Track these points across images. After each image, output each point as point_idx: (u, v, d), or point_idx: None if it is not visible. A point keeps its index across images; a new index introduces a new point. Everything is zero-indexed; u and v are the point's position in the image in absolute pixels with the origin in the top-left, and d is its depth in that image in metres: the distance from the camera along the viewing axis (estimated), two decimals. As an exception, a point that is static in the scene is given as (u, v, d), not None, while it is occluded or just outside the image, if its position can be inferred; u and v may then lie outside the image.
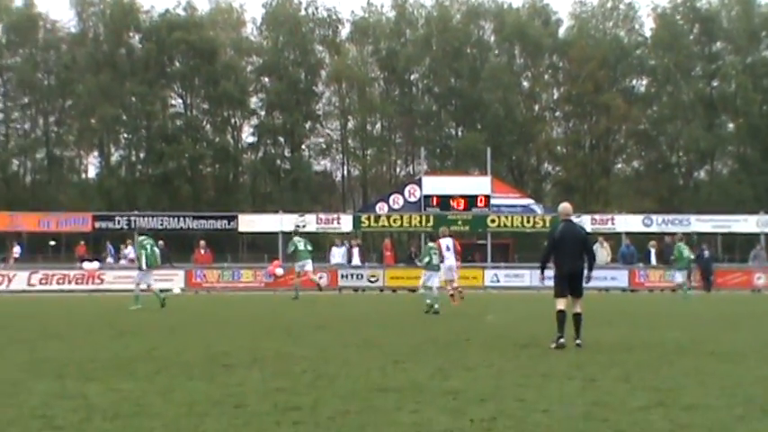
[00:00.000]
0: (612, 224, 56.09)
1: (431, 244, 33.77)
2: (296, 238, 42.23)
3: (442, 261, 32.93)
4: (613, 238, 55.75)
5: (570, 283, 19.17)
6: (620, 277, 52.31)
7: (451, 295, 34.28)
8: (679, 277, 42.80)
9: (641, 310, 32.53)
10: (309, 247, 42.15)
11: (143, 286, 34.03)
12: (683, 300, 39.95)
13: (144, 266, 33.98)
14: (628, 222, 56.64)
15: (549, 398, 12.13)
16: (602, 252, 52.58)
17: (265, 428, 10.07)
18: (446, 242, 34.11)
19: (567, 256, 19.17)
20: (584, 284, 19.38)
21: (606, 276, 50.78)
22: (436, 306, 30.65)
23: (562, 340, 18.57)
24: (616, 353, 17.56)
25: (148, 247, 34.09)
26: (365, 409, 11.34)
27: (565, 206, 20.71)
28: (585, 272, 19.40)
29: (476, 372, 14.77)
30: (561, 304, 19.04)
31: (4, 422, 10.51)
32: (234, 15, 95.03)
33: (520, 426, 10.22)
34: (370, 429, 10.00)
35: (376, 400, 11.93)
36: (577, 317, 19.13)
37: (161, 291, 35.28)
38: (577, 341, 18.75)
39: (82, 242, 56.71)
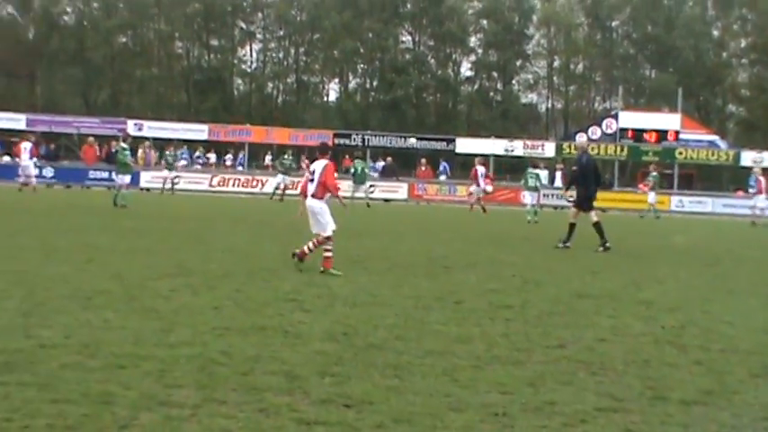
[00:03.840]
0: (788, 158, 53.89)
1: (530, 170, 37.13)
2: (121, 144, 34.15)
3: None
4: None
5: (589, 202, 20.68)
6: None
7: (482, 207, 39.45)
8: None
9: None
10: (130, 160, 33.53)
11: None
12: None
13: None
14: (802, 157, 54.32)
15: (732, 311, 11.72)
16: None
17: (481, 323, 10.04)
18: (481, 170, 40.29)
19: (589, 181, 20.69)
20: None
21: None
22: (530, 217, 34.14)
23: (568, 244, 20.32)
24: (793, 276, 16.86)
25: (359, 167, 36.02)
26: (568, 311, 11.19)
27: (582, 142, 24.07)
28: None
29: (665, 285, 14.40)
30: (575, 217, 20.75)
31: (262, 302, 10.81)
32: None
33: (706, 334, 9.91)
34: (573, 329, 9.86)
35: (577, 305, 11.76)
36: (598, 225, 20.39)
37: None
38: (607, 244, 19.96)
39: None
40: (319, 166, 14.46)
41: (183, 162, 53.45)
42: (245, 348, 8.07)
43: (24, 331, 8.30)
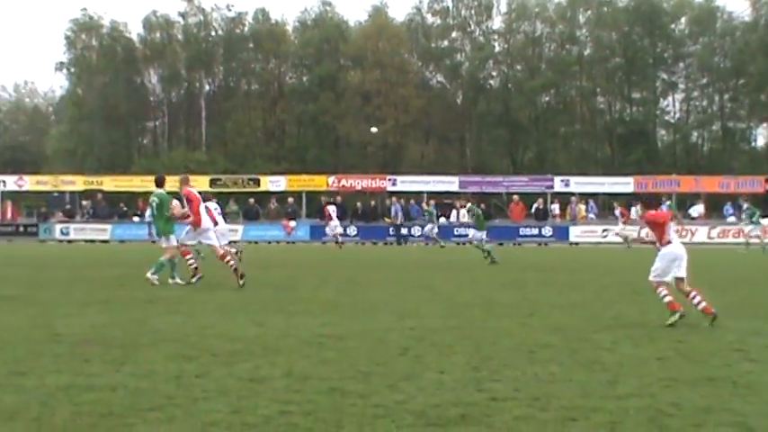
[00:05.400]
0: None
1: None
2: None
3: None
4: None
5: None
6: None
7: None
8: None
9: None
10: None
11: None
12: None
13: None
14: None
15: None
16: None
17: None
18: None
19: None
20: None
21: None
22: None
23: None
24: None
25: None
26: None
27: None
28: None
29: None
30: None
31: (707, 352, 10.58)
32: None
33: None
34: None
35: None
36: None
37: None
38: None
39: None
40: None
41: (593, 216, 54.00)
42: (694, 400, 7.90)
43: (476, 385, 8.61)
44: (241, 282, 18.91)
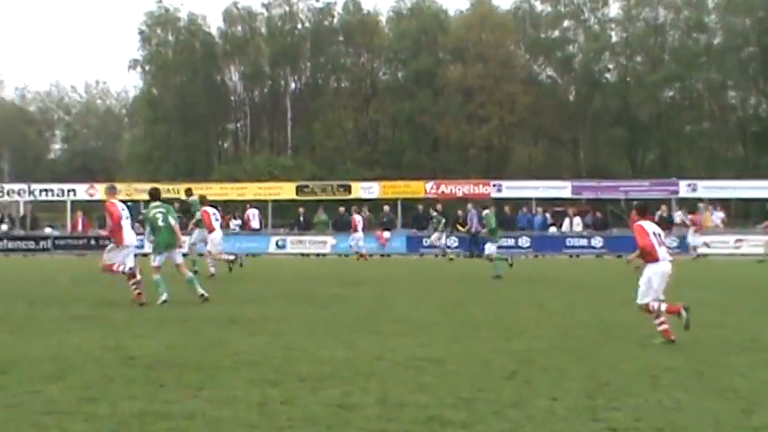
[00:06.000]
0: None
1: None
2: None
3: None
4: None
5: None
6: None
7: None
8: None
9: None
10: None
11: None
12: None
13: None
14: None
15: None
16: None
17: None
18: None
19: None
20: None
21: None
22: None
23: None
24: None
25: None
26: None
27: None
28: None
29: None
30: None
31: None
32: None
33: None
34: None
35: None
36: None
37: None
38: None
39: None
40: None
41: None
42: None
43: (591, 414, 8.55)
44: (140, 302, 19.17)
